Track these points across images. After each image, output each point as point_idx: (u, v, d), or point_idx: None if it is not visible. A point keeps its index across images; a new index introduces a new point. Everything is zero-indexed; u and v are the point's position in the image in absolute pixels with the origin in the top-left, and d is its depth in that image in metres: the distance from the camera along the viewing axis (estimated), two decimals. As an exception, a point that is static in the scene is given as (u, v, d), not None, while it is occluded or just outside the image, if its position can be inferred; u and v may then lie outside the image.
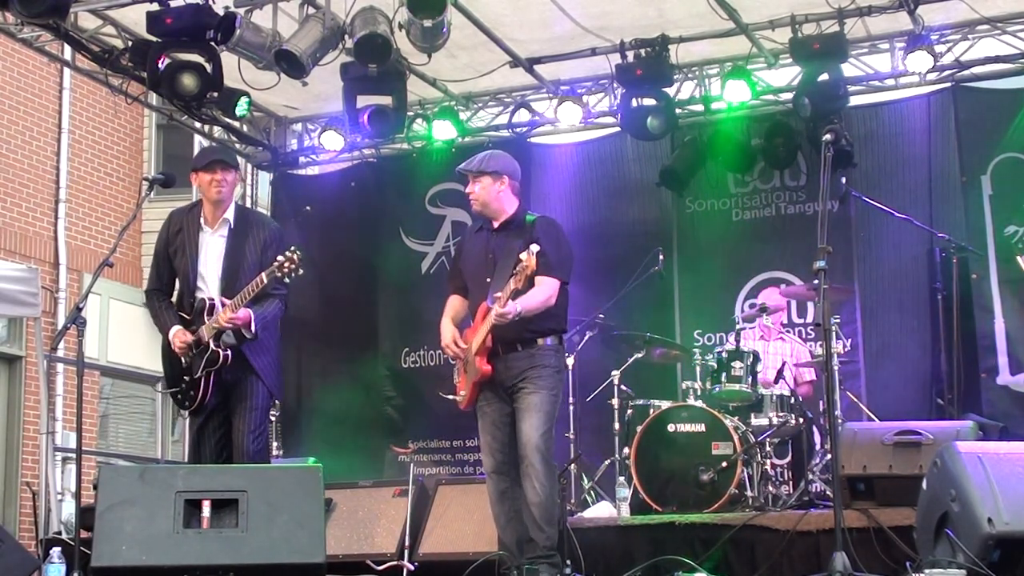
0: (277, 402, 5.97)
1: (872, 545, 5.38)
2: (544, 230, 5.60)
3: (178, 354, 5.73)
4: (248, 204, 9.68)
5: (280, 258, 5.53)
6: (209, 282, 5.76)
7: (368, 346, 9.48)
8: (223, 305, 5.65)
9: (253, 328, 5.65)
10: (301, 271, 5.54)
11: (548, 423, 5.44)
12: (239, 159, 9.55)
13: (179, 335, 5.72)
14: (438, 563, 6.21)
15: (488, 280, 5.58)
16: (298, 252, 5.55)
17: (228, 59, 7.37)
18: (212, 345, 5.64)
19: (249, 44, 7.24)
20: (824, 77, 7.64)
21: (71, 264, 12.16)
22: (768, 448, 6.89)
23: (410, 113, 8.55)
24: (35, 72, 12.00)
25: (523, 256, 5.20)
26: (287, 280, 5.59)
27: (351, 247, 9.51)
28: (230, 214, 5.84)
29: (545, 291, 5.45)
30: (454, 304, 5.82)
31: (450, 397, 5.80)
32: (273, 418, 9.07)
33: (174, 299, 5.93)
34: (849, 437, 5.84)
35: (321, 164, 9.87)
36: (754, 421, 6.99)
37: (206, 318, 5.67)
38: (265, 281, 5.54)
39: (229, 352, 5.66)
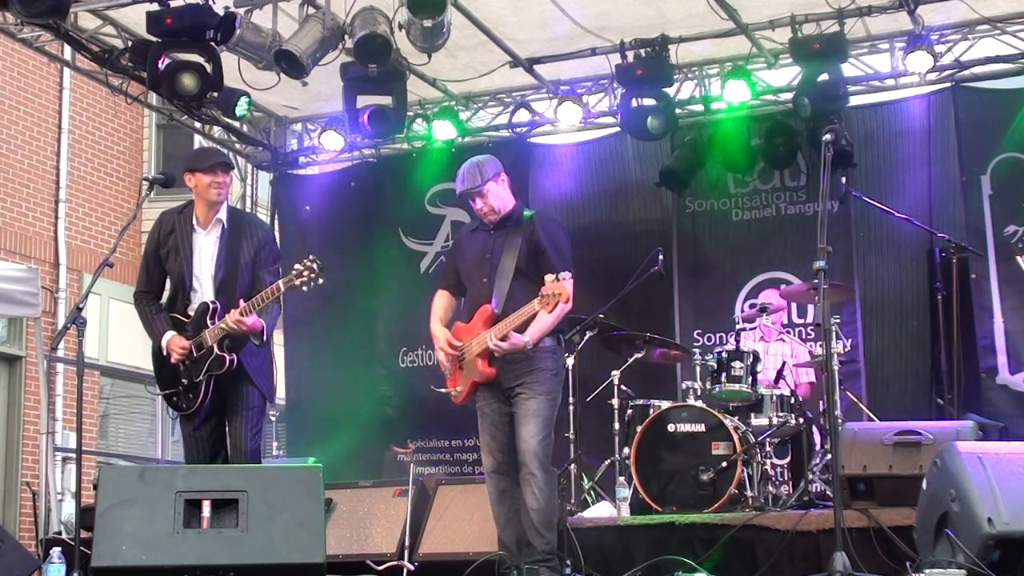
0: (273, 402, 5.95)
1: (872, 545, 5.37)
2: (544, 227, 5.59)
3: (175, 359, 5.66)
4: (248, 204, 9.69)
5: (298, 267, 5.39)
6: (203, 283, 5.70)
7: (366, 345, 9.47)
8: (218, 306, 5.58)
9: (265, 337, 5.59)
10: (321, 280, 5.39)
11: (546, 429, 5.41)
12: (238, 159, 9.60)
13: (175, 341, 5.64)
14: (438, 563, 6.20)
15: (485, 280, 5.56)
16: (317, 261, 5.42)
17: (228, 59, 7.37)
18: (217, 350, 5.56)
19: (249, 44, 7.24)
20: (824, 77, 7.64)
21: (71, 264, 12.16)
22: (768, 448, 6.88)
23: (410, 113, 8.54)
24: (35, 72, 12.00)
25: (548, 279, 5.13)
26: (305, 290, 5.46)
27: (350, 247, 9.49)
28: (223, 215, 5.77)
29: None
30: (441, 302, 5.81)
31: (442, 391, 5.77)
32: (273, 418, 9.09)
33: (164, 301, 5.86)
34: (849, 437, 5.84)
35: (321, 164, 9.86)
36: (754, 421, 6.98)
37: (208, 322, 5.60)
38: (283, 289, 5.45)
39: (234, 356, 5.57)
